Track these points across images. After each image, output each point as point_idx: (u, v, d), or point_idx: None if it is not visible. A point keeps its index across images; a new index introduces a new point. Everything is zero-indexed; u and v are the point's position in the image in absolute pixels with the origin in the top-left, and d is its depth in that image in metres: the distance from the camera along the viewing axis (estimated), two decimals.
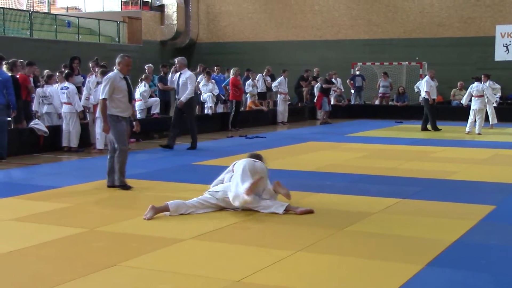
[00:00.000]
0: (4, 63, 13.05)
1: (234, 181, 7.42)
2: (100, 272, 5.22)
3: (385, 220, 7.21)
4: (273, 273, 5.26)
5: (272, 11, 32.84)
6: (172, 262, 5.56)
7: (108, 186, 9.01)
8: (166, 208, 7.25)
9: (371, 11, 31.04)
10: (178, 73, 13.79)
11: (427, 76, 19.26)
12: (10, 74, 12.67)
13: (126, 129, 9.01)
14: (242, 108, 20.22)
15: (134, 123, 9.35)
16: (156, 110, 17.16)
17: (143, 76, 17.20)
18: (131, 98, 9.10)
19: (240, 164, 7.58)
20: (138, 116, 16.68)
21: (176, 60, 13.81)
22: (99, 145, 13.23)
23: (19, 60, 13.09)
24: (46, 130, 13.03)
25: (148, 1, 33.89)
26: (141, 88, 16.86)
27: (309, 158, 12.46)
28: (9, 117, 12.37)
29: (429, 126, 18.73)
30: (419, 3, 29.99)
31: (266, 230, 6.71)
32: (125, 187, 8.89)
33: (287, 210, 7.42)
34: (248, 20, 33.39)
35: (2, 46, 23.87)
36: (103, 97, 8.89)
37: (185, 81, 13.60)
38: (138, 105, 16.74)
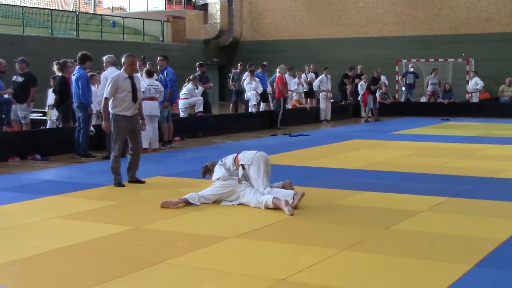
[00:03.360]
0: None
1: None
2: (146, 269, 5.23)
3: (433, 218, 7.08)
4: (319, 272, 5.20)
5: (315, 9, 32.72)
6: (216, 260, 5.54)
7: (128, 182, 9.30)
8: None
9: (416, 8, 30.67)
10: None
11: None
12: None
13: (126, 129, 9.17)
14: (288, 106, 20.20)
15: (141, 121, 9.52)
16: (199, 108, 17.24)
17: (191, 77, 17.30)
18: (135, 97, 9.18)
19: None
20: (182, 114, 16.83)
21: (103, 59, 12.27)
22: (144, 144, 13.31)
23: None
24: (92, 129, 13.17)
25: (191, 0, 34.12)
26: (187, 87, 17.02)
27: (354, 156, 12.34)
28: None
29: None
30: None
31: (310, 229, 6.65)
32: (117, 184, 9.15)
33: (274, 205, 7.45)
34: (291, 18, 33.32)
35: (49, 47, 24.36)
36: (105, 96, 9.17)
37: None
38: (181, 103, 16.87)
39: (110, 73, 11.61)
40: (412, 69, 25.51)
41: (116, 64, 12.02)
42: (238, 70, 21.05)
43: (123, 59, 9.26)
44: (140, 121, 9.46)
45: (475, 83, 24.51)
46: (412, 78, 25.14)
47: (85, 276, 5.12)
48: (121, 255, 5.71)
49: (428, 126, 19.36)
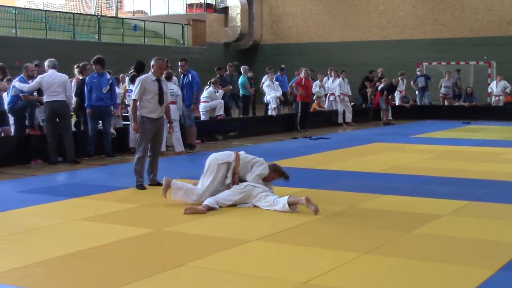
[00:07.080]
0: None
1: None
2: (168, 272, 5.27)
3: (454, 222, 7.05)
4: (340, 275, 5.20)
5: (336, 12, 32.66)
6: (238, 263, 5.57)
7: (149, 184, 9.32)
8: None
9: (437, 10, 30.50)
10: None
11: None
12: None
13: (151, 131, 9.19)
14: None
15: (169, 125, 9.54)
16: (220, 111, 17.28)
17: (212, 80, 17.34)
18: (162, 100, 9.20)
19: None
20: (202, 117, 16.88)
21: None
22: (163, 147, 13.38)
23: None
24: (113, 131, 13.26)
25: (212, 4, 34.21)
26: (208, 90, 17.09)
27: (375, 160, 12.30)
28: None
29: None
30: (488, 1, 29.28)
31: (332, 232, 6.65)
32: (139, 186, 9.18)
33: (290, 205, 7.40)
34: (312, 21, 33.29)
35: (72, 50, 24.56)
36: (133, 98, 9.24)
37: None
38: (202, 106, 16.91)
39: (49, 75, 11.82)
40: (419, 73, 25.33)
41: (56, 67, 12.05)
42: (228, 72, 20.37)
43: (152, 62, 9.27)
44: (168, 125, 9.52)
45: (503, 86, 24.29)
46: (423, 81, 24.95)
47: (108, 278, 5.16)
48: (143, 257, 5.74)
49: (449, 129, 19.24)
